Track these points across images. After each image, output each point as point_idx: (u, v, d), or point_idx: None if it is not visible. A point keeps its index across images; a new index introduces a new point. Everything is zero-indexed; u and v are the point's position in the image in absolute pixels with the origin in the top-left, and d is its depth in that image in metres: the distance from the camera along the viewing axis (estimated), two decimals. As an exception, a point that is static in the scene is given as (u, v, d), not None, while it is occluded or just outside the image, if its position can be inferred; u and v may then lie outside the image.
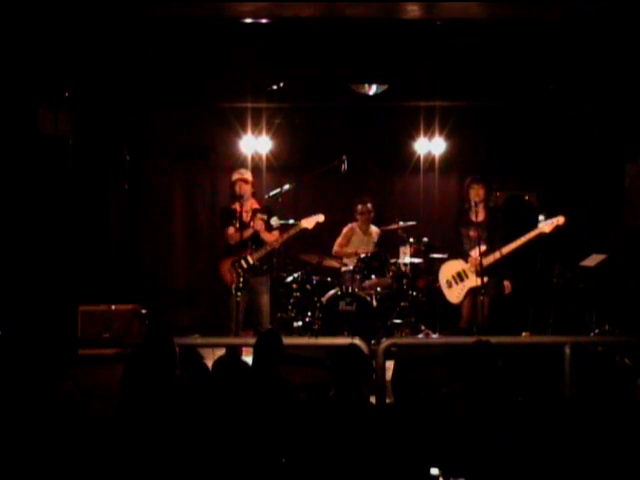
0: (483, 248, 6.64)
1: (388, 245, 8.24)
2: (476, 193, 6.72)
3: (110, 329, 7.29)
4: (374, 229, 8.20)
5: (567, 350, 5.30)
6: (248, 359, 4.56)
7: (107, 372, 5.99)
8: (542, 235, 6.62)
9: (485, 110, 8.86)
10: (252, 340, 5.91)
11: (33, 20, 6.42)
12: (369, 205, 8.09)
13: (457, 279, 6.85)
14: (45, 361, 5.90)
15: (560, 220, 6.56)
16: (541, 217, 6.92)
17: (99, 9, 6.43)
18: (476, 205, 6.71)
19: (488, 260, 6.63)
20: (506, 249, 6.63)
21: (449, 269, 6.94)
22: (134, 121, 8.82)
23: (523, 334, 7.10)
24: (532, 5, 6.38)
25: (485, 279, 6.54)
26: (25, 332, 6.42)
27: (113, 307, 7.49)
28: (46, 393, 5.16)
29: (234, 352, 6.40)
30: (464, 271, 6.79)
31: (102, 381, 5.80)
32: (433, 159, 9.18)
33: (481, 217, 6.76)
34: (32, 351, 5.94)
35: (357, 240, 8.12)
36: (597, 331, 7.16)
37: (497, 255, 6.64)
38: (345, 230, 8.19)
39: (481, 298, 6.60)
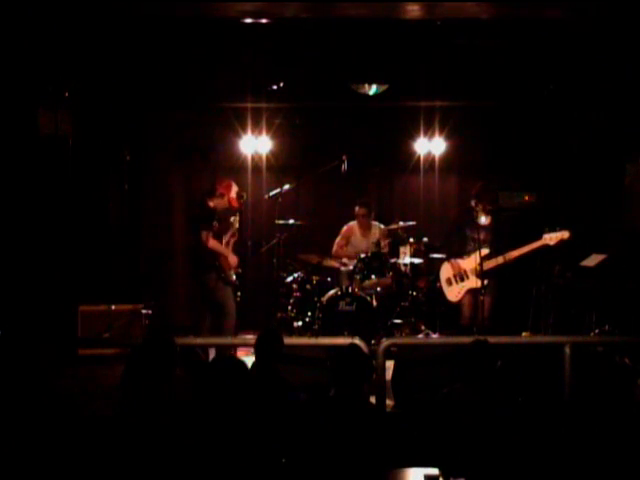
0: (486, 251, 6.81)
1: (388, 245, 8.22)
2: (484, 207, 6.94)
3: (110, 329, 7.29)
4: (377, 227, 8.16)
5: (567, 350, 5.31)
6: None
7: (107, 372, 5.99)
8: (547, 247, 6.72)
9: (485, 110, 8.86)
10: (252, 340, 5.95)
11: (33, 21, 6.43)
12: (364, 209, 8.02)
13: (458, 278, 6.97)
14: (45, 361, 5.91)
15: (565, 235, 6.68)
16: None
17: (98, 9, 6.44)
18: (482, 213, 6.94)
19: (490, 264, 6.72)
20: (509, 256, 6.74)
21: (451, 267, 7.05)
22: (134, 121, 8.81)
23: (523, 334, 7.13)
24: (532, 5, 6.39)
25: (485, 281, 6.73)
26: (25, 332, 6.43)
27: (113, 307, 7.48)
28: (46, 393, 5.16)
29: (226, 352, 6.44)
30: (465, 271, 6.92)
31: (102, 381, 5.80)
32: (433, 159, 9.17)
33: (487, 221, 6.98)
34: (32, 351, 5.94)
35: (356, 240, 8.10)
36: (597, 331, 7.16)
37: (500, 260, 6.76)
38: (344, 230, 8.16)
39: (481, 298, 6.70)
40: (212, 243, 6.86)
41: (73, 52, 7.09)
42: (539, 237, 6.81)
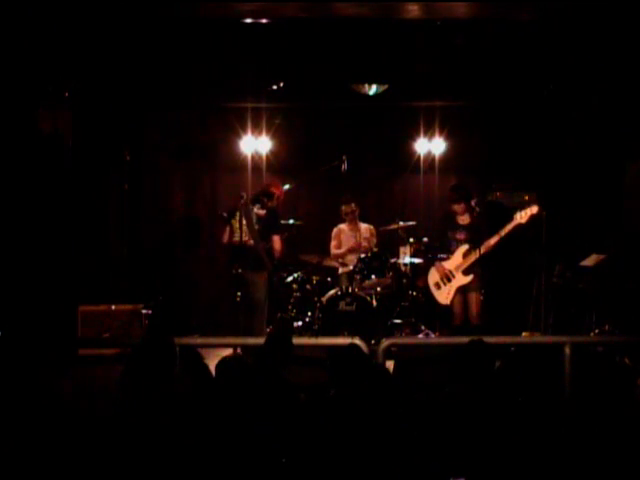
0: (466, 247, 6.94)
1: (388, 245, 8.23)
2: (458, 208, 7.05)
3: (110, 329, 7.29)
4: (364, 225, 8.20)
5: (567, 350, 5.31)
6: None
7: (107, 372, 5.98)
8: (520, 226, 6.83)
9: (485, 110, 8.86)
10: (252, 340, 5.95)
11: (33, 21, 6.43)
12: (353, 205, 8.08)
13: (445, 280, 7.04)
14: (45, 361, 5.90)
15: (534, 209, 6.82)
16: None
17: (99, 9, 6.44)
18: (461, 214, 7.05)
19: (471, 258, 6.89)
20: (487, 245, 6.82)
21: (436, 271, 7.13)
22: (134, 121, 8.81)
23: (523, 334, 7.14)
24: (532, 5, 6.40)
25: (471, 277, 6.90)
26: (25, 332, 6.43)
27: (113, 307, 7.48)
28: (46, 393, 5.15)
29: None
30: (450, 271, 7.01)
31: (102, 381, 5.79)
32: (433, 159, 9.17)
33: (467, 220, 7.07)
34: (32, 351, 5.93)
35: (345, 237, 8.16)
36: (597, 331, 7.17)
37: (479, 252, 6.87)
38: (333, 233, 8.21)
39: (481, 297, 6.78)
40: (281, 246, 7.22)
41: (73, 52, 7.09)
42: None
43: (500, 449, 3.65)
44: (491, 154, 9.02)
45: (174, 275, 8.93)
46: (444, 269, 7.05)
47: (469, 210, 7.04)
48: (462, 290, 6.98)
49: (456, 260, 7.02)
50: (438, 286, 7.12)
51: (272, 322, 7.66)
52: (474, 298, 6.92)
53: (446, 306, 7.11)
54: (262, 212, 7.20)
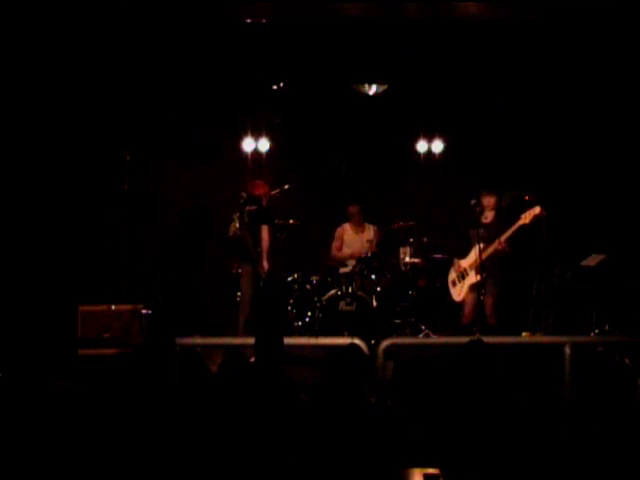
0: (482, 246, 6.93)
1: (388, 245, 8.22)
2: (488, 202, 7.19)
3: (110, 329, 7.28)
4: (370, 227, 8.20)
5: (567, 350, 5.32)
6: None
7: (107, 372, 5.99)
8: (524, 226, 6.93)
9: (485, 110, 8.85)
10: (252, 340, 5.94)
11: (34, 21, 6.43)
12: (357, 207, 8.11)
13: (460, 277, 7.14)
14: (45, 361, 5.90)
15: (536, 210, 6.92)
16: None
17: (99, 9, 6.45)
18: (487, 210, 7.18)
19: (482, 257, 6.90)
20: (495, 245, 6.83)
21: (454, 269, 7.20)
22: (134, 121, 8.80)
23: (523, 334, 7.15)
24: (532, 6, 6.41)
25: (480, 276, 6.92)
26: (25, 332, 6.43)
27: (113, 307, 7.47)
28: (46, 393, 5.16)
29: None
30: (465, 269, 7.08)
31: (102, 381, 5.80)
32: (433, 159, 9.17)
33: (489, 219, 7.20)
34: (32, 351, 5.94)
35: (350, 239, 8.16)
36: (597, 331, 7.17)
37: (489, 251, 6.93)
38: (337, 232, 8.22)
39: (481, 298, 6.80)
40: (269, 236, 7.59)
41: (73, 51, 7.09)
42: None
43: (500, 449, 3.65)
44: (491, 154, 9.02)
45: (175, 275, 8.92)
46: (460, 267, 7.17)
47: (496, 207, 7.11)
48: (475, 289, 7.02)
49: (471, 258, 7.09)
50: (454, 283, 7.33)
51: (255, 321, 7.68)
52: (487, 299, 6.93)
53: (456, 304, 7.22)
54: (253, 207, 7.42)
